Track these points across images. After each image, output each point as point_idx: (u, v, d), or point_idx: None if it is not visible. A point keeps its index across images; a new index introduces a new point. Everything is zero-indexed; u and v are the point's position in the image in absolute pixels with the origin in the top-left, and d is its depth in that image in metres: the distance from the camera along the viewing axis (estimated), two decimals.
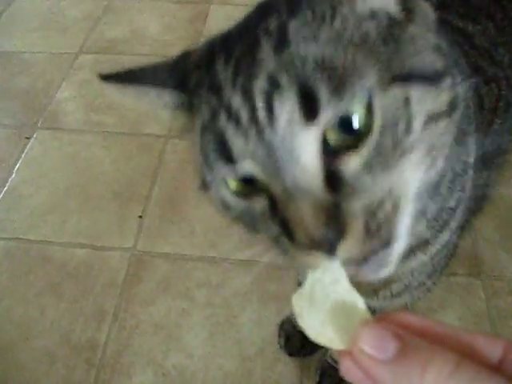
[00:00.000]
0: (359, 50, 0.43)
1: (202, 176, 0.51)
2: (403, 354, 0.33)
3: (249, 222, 0.50)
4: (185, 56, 0.54)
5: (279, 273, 1.24)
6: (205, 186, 0.52)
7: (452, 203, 0.60)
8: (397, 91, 0.42)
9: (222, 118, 0.45)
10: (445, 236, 0.62)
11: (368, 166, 0.42)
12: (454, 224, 0.63)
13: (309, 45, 0.42)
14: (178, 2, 2.08)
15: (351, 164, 0.42)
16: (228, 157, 0.45)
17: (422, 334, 0.35)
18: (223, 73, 0.46)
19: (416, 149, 0.43)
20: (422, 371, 0.32)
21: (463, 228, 0.69)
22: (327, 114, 0.40)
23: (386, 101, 0.42)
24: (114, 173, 1.48)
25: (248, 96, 0.43)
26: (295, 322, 1.14)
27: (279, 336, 1.17)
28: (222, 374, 1.12)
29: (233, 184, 0.48)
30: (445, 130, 0.46)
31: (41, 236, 1.36)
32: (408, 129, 0.42)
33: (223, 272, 1.28)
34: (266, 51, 0.43)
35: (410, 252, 0.60)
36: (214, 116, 0.46)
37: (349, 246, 0.41)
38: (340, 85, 0.40)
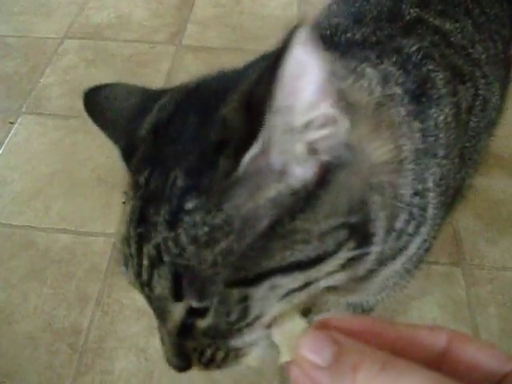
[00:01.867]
0: (230, 251, 0.44)
1: None
2: (338, 358, 0.34)
3: None
4: (146, 105, 0.54)
5: None
6: None
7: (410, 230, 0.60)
8: (236, 292, 0.45)
9: (125, 244, 0.49)
10: (412, 248, 0.63)
11: (210, 329, 0.48)
12: (418, 239, 0.63)
13: (192, 235, 0.44)
14: None
15: (197, 325, 0.48)
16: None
17: (363, 336, 0.36)
18: (138, 195, 0.48)
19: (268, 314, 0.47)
20: (353, 373, 0.33)
21: (439, 227, 0.69)
22: (188, 302, 0.46)
23: (222, 299, 0.45)
24: (99, 159, 1.48)
25: (139, 251, 0.47)
26: None
27: None
28: None
29: None
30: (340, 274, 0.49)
31: (24, 221, 1.35)
32: (243, 317, 0.46)
33: None
34: (164, 216, 0.45)
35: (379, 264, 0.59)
36: (125, 234, 0.49)
37: (197, 369, 0.52)
38: (201, 288, 0.45)
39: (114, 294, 1.22)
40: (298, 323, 0.45)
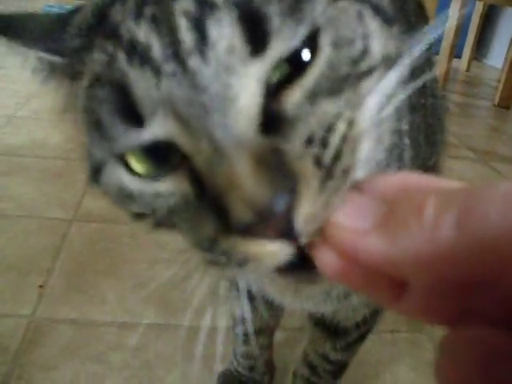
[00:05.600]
0: None
1: (91, 160, 0.38)
2: (389, 213, 0.27)
3: (161, 215, 0.37)
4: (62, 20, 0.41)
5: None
6: (95, 174, 0.39)
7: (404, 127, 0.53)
8: (346, 3, 0.34)
9: (122, 60, 0.33)
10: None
11: (314, 94, 0.33)
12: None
13: None
14: None
15: (293, 98, 0.33)
16: (132, 115, 0.33)
17: None
18: (120, 13, 0.35)
19: (374, 73, 0.35)
20: (418, 213, 0.25)
21: None
22: (279, 45, 0.32)
23: (336, 13, 0.34)
24: (10, 249, 1.29)
25: (162, 20, 0.32)
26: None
27: None
28: None
29: (136, 163, 0.36)
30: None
31: None
32: (366, 50, 0.34)
33: (142, 335, 1.09)
34: None
35: None
36: (110, 64, 0.33)
37: (307, 204, 0.30)
38: (294, 6, 0.32)
39: (27, 375, 0.96)
40: None
